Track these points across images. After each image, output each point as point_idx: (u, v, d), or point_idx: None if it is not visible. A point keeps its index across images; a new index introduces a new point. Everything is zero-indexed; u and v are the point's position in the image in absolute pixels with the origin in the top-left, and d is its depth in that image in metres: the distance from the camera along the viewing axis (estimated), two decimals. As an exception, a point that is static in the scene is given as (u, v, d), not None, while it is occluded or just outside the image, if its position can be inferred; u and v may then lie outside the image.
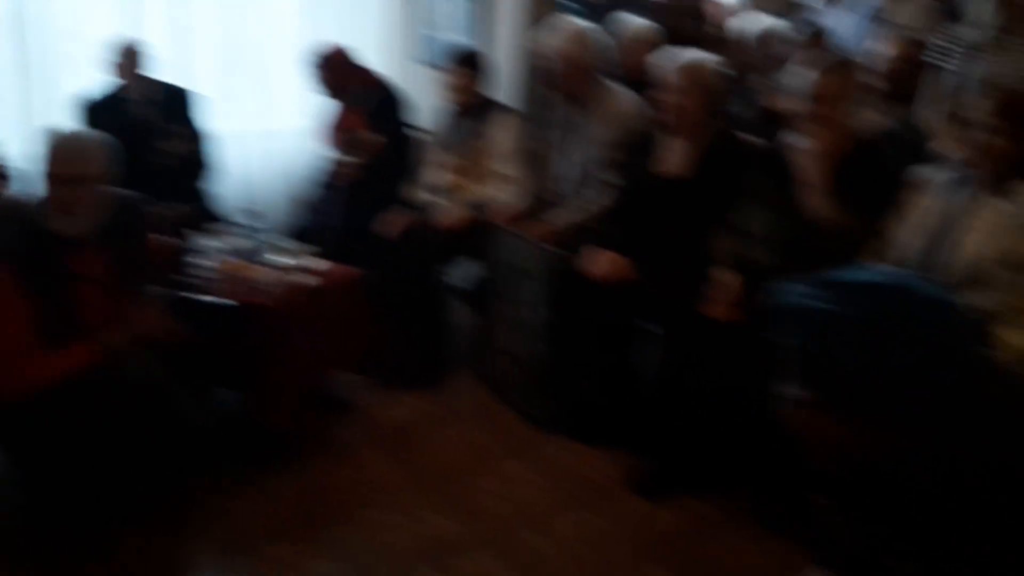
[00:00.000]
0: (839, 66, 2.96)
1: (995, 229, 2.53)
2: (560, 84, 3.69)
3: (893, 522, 1.34)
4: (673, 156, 3.36)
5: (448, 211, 3.89)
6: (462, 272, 4.04)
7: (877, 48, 3.26)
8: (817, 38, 3.54)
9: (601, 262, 3.24)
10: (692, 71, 3.26)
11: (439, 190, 4.02)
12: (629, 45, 4.05)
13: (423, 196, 4.06)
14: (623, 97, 3.75)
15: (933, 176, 2.74)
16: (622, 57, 4.03)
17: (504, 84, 4.19)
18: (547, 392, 3.50)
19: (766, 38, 4.06)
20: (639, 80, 3.89)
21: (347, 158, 4.06)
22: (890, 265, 2.75)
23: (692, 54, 3.37)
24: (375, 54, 4.62)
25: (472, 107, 3.99)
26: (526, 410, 3.46)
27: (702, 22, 4.55)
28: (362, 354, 3.54)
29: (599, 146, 3.66)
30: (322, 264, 3.36)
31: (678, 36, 4.36)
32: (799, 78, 3.01)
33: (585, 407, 3.38)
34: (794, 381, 1.24)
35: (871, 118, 3.25)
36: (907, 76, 3.20)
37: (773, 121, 3.43)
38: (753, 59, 3.95)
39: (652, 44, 4.00)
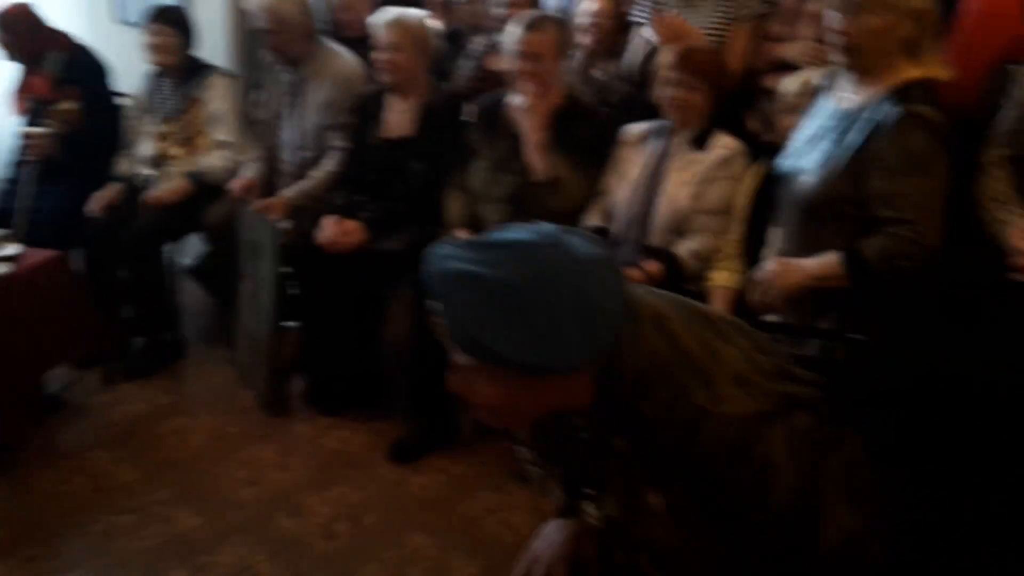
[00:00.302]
0: (542, 22, 3.05)
1: (692, 178, 2.74)
2: (274, 44, 3.54)
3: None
4: (396, 117, 3.36)
5: (164, 184, 3.65)
6: (192, 249, 3.83)
7: (584, 6, 3.40)
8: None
9: (331, 231, 3.18)
10: (404, 28, 3.25)
11: (151, 161, 3.75)
12: (347, 4, 3.94)
13: (136, 169, 3.78)
14: (344, 58, 3.66)
15: (639, 130, 2.92)
16: (341, 17, 3.93)
17: (218, 45, 3.95)
18: (291, 371, 3.42)
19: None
20: (360, 40, 3.82)
21: (37, 129, 3.67)
22: (605, 217, 2.92)
23: (402, 11, 3.36)
24: (68, 14, 4.19)
25: (180, 70, 3.74)
26: (269, 391, 3.36)
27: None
28: (81, 346, 3.28)
29: (323, 109, 3.57)
30: (14, 249, 3.03)
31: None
32: (509, 37, 3.09)
33: (333, 381, 3.34)
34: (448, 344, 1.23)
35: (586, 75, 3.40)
36: (612, 32, 3.36)
37: (494, 80, 3.49)
38: (476, 19, 3.99)
39: (370, 3, 3.93)
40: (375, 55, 3.28)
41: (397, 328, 3.06)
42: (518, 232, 1.24)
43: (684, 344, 1.27)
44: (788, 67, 2.79)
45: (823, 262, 2.13)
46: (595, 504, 1.40)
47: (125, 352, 3.62)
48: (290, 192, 3.54)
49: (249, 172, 3.66)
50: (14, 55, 3.80)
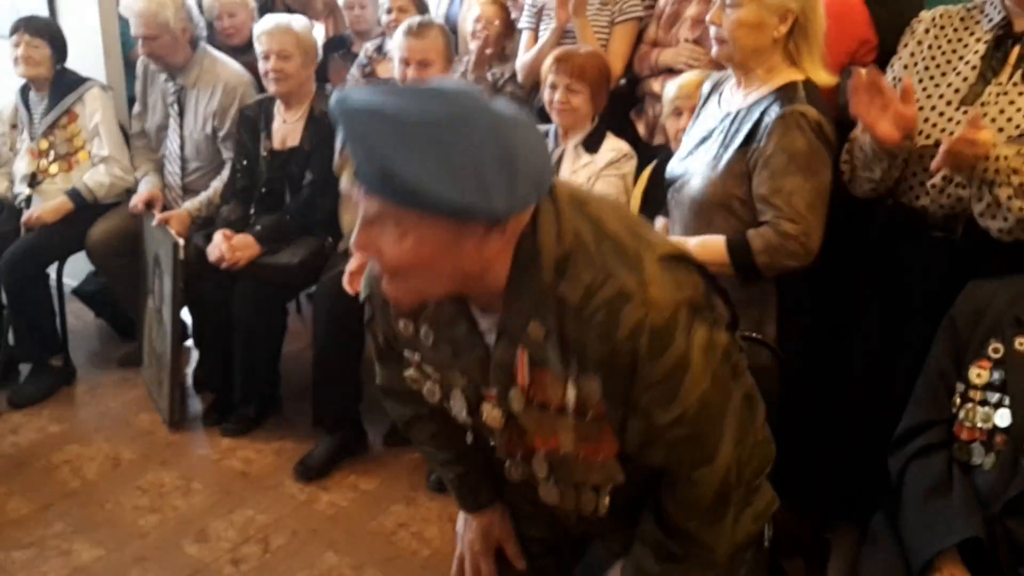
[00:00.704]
0: (427, 28, 3.05)
1: (584, 181, 2.78)
2: (153, 51, 3.43)
3: None
4: (284, 127, 3.32)
5: (43, 202, 3.51)
6: (78, 270, 3.71)
7: (472, 11, 3.42)
8: (412, 2, 3.63)
9: (223, 246, 3.12)
10: (293, 36, 3.21)
11: (28, 179, 3.60)
12: (229, 11, 3.86)
13: (13, 188, 3.62)
14: (229, 66, 3.59)
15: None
16: (224, 24, 3.85)
17: (91, 56, 3.80)
18: (194, 388, 3.35)
19: (366, 3, 4.08)
20: (241, 48, 3.76)
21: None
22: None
23: (288, 18, 3.32)
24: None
25: (53, 83, 3.60)
26: (172, 408, 3.28)
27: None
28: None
29: (211, 118, 3.49)
30: None
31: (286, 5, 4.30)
32: (396, 43, 3.08)
33: (235, 399, 3.29)
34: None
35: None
36: (500, 37, 3.39)
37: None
38: (361, 24, 3.97)
39: (251, 11, 3.87)
40: (263, 64, 3.22)
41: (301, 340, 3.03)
42: (437, 81, 1.16)
43: (608, 227, 1.22)
44: (671, 71, 2.87)
45: (707, 241, 2.11)
46: (498, 406, 1.32)
47: (11, 380, 3.48)
48: (190, 204, 3.46)
49: (147, 186, 3.56)
50: None
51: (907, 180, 2.10)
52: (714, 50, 2.14)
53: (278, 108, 3.34)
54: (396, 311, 1.38)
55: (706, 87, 2.37)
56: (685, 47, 2.85)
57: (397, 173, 1.05)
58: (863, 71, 1.96)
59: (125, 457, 3.11)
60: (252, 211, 3.31)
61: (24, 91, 3.66)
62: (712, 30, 2.11)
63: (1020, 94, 1.96)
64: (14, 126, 3.68)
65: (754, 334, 2.01)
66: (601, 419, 1.26)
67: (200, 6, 3.69)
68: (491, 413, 1.33)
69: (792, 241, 2.02)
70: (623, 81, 3.10)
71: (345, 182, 3.04)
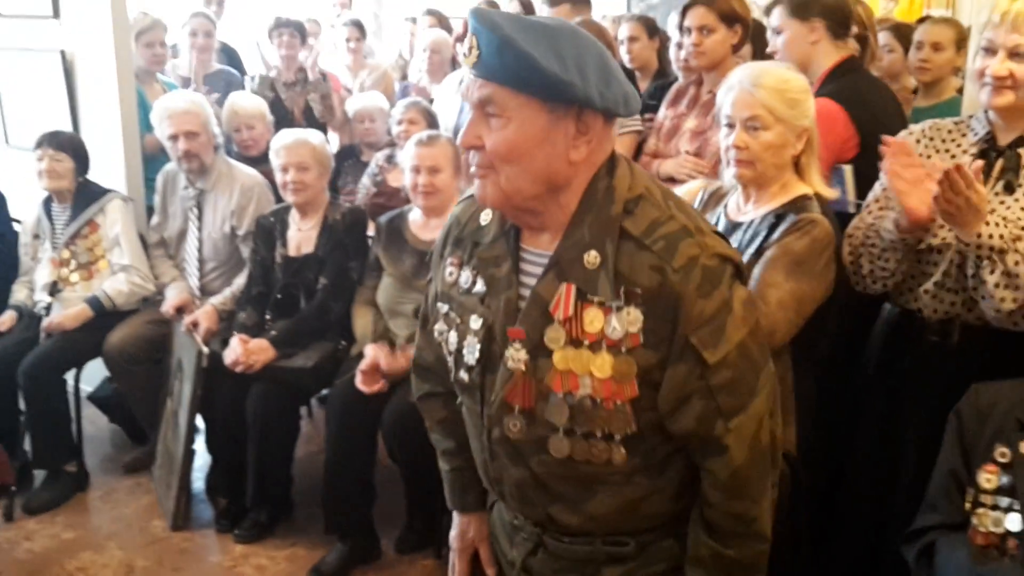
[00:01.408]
0: (435, 137, 3.19)
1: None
2: (191, 149, 3.56)
3: None
4: (299, 235, 3.43)
5: (64, 310, 3.60)
6: (94, 376, 3.77)
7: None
8: (422, 115, 3.80)
9: (239, 350, 3.19)
10: (310, 148, 3.37)
11: (49, 288, 3.70)
12: (248, 123, 4.03)
13: (34, 296, 3.72)
14: (245, 170, 3.75)
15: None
16: (243, 136, 4.02)
17: (112, 168, 3.95)
18: (208, 495, 3.37)
19: (376, 116, 4.28)
20: (257, 159, 3.91)
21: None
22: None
23: (305, 132, 3.50)
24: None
25: (75, 194, 3.73)
26: (177, 511, 3.30)
27: (328, 100, 4.68)
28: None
29: (229, 217, 3.63)
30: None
31: (306, 113, 4.48)
32: (406, 153, 3.21)
33: (253, 503, 3.30)
34: None
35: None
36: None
37: (392, 195, 3.61)
38: (372, 136, 4.14)
39: (269, 124, 4.04)
40: (282, 176, 3.36)
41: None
42: None
43: (675, 196, 1.41)
44: (672, 181, 2.98)
45: None
46: (524, 346, 1.37)
47: (27, 486, 3.51)
48: (216, 300, 3.56)
49: (177, 291, 3.65)
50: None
51: (904, 282, 2.19)
52: (733, 171, 2.15)
53: (293, 216, 3.47)
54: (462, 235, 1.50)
55: (700, 195, 2.40)
56: (688, 159, 2.98)
57: (514, 42, 1.24)
58: (890, 138, 2.03)
59: (138, 564, 3.12)
60: (268, 316, 3.40)
61: (47, 202, 3.78)
62: (733, 152, 2.13)
63: (1002, 203, 2.08)
64: (36, 236, 3.80)
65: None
66: (633, 356, 1.32)
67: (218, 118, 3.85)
68: (516, 355, 1.38)
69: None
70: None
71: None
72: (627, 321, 1.31)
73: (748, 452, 1.37)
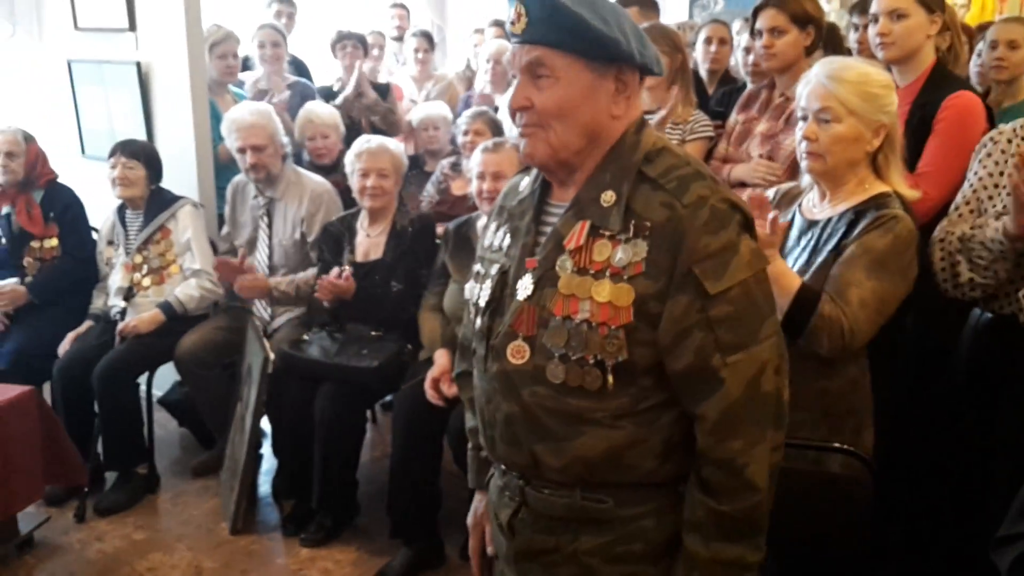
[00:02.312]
0: (501, 144, 3.18)
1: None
2: (258, 161, 3.63)
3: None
4: (368, 240, 3.46)
5: (137, 314, 3.67)
6: (165, 380, 3.83)
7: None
8: (488, 126, 3.82)
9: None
10: (390, 155, 3.42)
11: (123, 293, 3.78)
12: (323, 132, 4.09)
13: (109, 301, 3.80)
14: (314, 178, 3.82)
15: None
16: (317, 144, 4.08)
17: (185, 176, 4.03)
18: (274, 499, 3.39)
19: (439, 124, 4.31)
20: (329, 168, 3.96)
21: (6, 282, 3.75)
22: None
23: (384, 139, 3.55)
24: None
25: (148, 201, 3.81)
26: (238, 514, 3.33)
27: (393, 112, 4.73)
28: (54, 483, 3.25)
29: (298, 224, 3.69)
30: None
31: (371, 125, 4.54)
32: (473, 160, 3.22)
33: (319, 506, 3.31)
34: None
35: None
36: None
37: (456, 203, 3.61)
38: (436, 144, 4.17)
39: (342, 134, 4.10)
40: (360, 180, 3.40)
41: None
42: None
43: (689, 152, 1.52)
44: (743, 185, 2.94)
45: (786, 273, 2.03)
46: (534, 273, 1.46)
47: (99, 488, 3.57)
48: (275, 280, 3.62)
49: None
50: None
51: (1000, 287, 2.11)
52: (805, 163, 2.13)
53: (361, 223, 3.51)
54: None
55: (769, 194, 2.38)
56: (761, 163, 2.92)
57: (563, 5, 1.35)
58: None
59: (206, 566, 3.15)
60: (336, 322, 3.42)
61: (121, 209, 3.87)
62: (804, 144, 2.11)
63: None
64: (111, 242, 3.88)
65: (847, 446, 2.00)
66: (632, 284, 1.39)
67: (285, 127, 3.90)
68: (525, 284, 1.47)
69: (838, 328, 1.96)
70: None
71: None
72: (633, 252, 1.39)
73: (744, 391, 1.39)
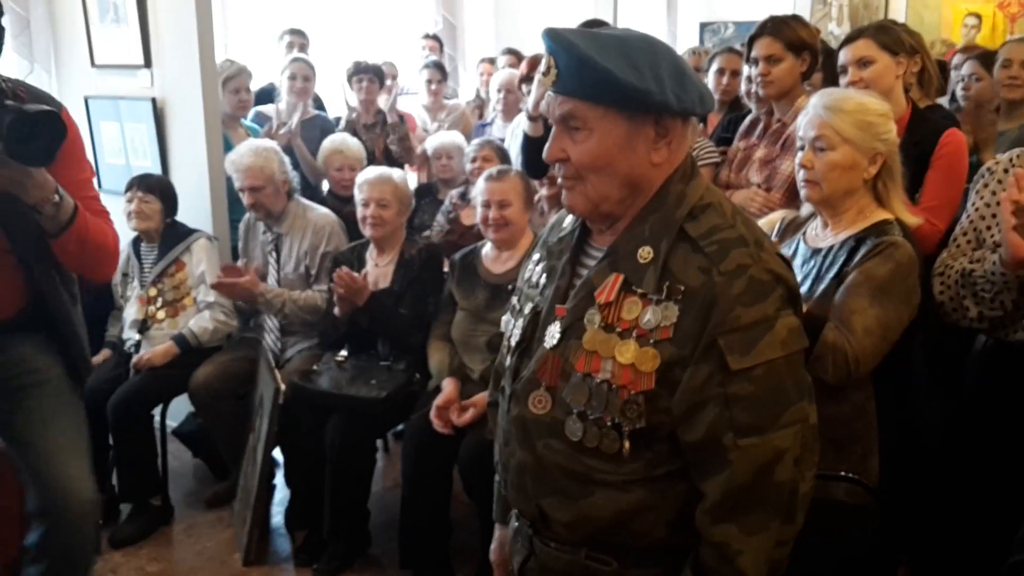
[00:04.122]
0: (505, 172, 3.21)
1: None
2: (257, 201, 3.68)
3: None
4: (376, 270, 3.49)
5: (151, 347, 3.71)
6: (178, 411, 3.86)
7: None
8: (495, 153, 3.85)
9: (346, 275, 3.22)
10: (392, 185, 3.45)
11: (138, 325, 3.82)
12: (349, 164, 4.17)
13: (123, 334, 3.85)
14: (319, 210, 3.86)
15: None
16: (342, 176, 4.15)
17: (199, 209, 4.08)
18: (287, 529, 3.40)
19: (453, 153, 4.35)
20: (350, 198, 4.01)
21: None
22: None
23: (385, 169, 3.58)
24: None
25: (163, 235, 3.86)
26: (251, 544, 3.34)
27: (407, 140, 4.78)
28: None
29: (304, 257, 3.73)
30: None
31: (385, 154, 4.60)
32: (477, 188, 3.25)
33: (331, 536, 3.32)
34: None
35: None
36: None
37: (466, 233, 3.64)
38: (448, 173, 4.21)
39: (357, 161, 4.15)
40: (362, 210, 3.45)
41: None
42: None
43: (745, 216, 1.43)
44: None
45: None
46: (561, 321, 1.43)
47: (113, 519, 3.60)
48: (266, 288, 3.65)
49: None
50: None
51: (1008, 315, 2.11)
52: (803, 192, 2.16)
53: (370, 252, 3.54)
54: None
55: (777, 225, 2.39)
56: (759, 193, 2.93)
57: (591, 59, 1.30)
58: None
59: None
60: (344, 352, 3.45)
61: (136, 243, 3.92)
62: (801, 172, 2.14)
63: None
64: (125, 275, 3.93)
65: (852, 475, 1.99)
66: (658, 348, 1.33)
67: (290, 159, 3.95)
68: (552, 332, 1.43)
69: (841, 355, 1.96)
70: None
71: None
72: (663, 315, 1.33)
73: (752, 477, 1.31)
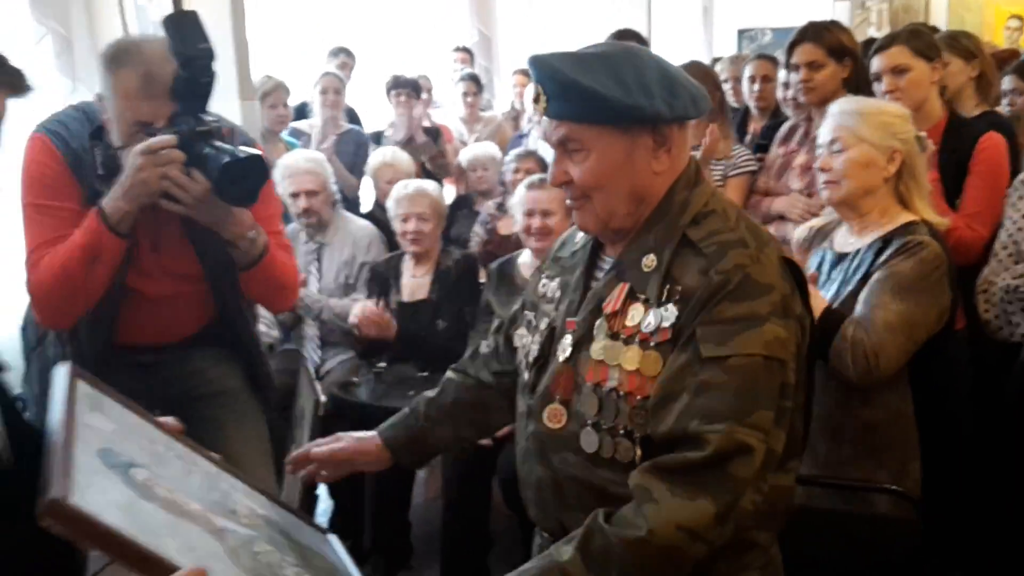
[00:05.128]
0: (543, 182, 3.21)
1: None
2: (310, 207, 3.72)
3: None
4: (413, 281, 3.51)
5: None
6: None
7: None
8: (538, 165, 3.86)
9: (368, 312, 3.29)
10: (429, 199, 3.48)
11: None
12: (384, 174, 4.21)
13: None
14: (358, 222, 3.91)
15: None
16: (383, 187, 4.17)
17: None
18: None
19: (488, 164, 4.37)
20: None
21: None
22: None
23: (422, 183, 3.62)
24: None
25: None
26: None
27: (441, 156, 4.82)
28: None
29: (344, 267, 3.76)
30: None
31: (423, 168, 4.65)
32: (517, 198, 3.25)
33: (372, 547, 3.34)
34: None
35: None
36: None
37: (503, 243, 3.66)
38: (485, 184, 4.24)
39: (406, 174, 4.19)
40: (401, 225, 3.48)
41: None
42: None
43: (752, 220, 1.44)
44: (783, 218, 2.93)
45: (813, 294, 1.96)
46: (573, 333, 1.43)
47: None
48: (304, 292, 3.66)
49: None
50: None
51: None
52: (824, 194, 2.17)
53: (406, 264, 3.56)
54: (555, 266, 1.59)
55: (801, 232, 2.39)
56: (800, 199, 2.91)
57: (577, 82, 1.31)
58: None
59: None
60: (383, 363, 3.47)
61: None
62: (821, 176, 2.15)
63: None
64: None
65: (892, 486, 1.97)
66: (659, 351, 1.33)
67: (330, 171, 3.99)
68: (565, 345, 1.44)
69: (861, 354, 1.93)
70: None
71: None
72: (663, 317, 1.34)
73: (705, 458, 1.25)
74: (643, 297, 1.37)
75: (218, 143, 1.93)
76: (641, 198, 1.40)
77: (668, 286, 1.35)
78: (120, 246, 1.98)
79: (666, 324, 1.33)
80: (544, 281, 1.59)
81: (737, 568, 1.41)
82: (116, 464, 1.26)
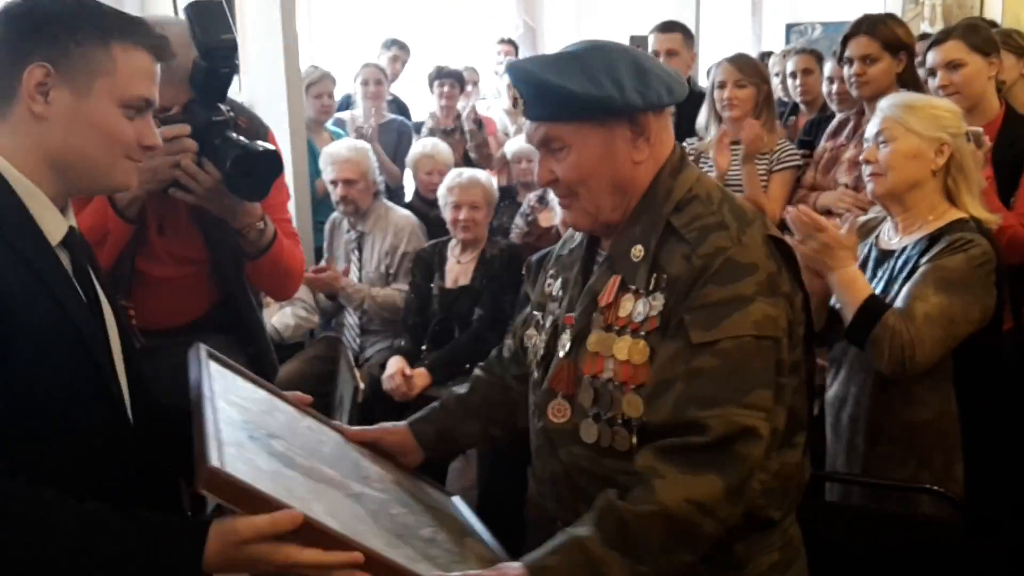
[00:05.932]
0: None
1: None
2: (350, 194, 3.76)
3: None
4: (457, 267, 3.54)
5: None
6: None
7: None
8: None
9: (398, 378, 3.29)
10: (482, 188, 3.51)
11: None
12: (438, 169, 4.21)
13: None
14: (400, 212, 3.94)
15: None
16: (432, 179, 4.18)
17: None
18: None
19: (532, 156, 4.35)
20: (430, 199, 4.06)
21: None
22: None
23: (475, 172, 3.66)
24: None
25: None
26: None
27: (485, 146, 4.83)
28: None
29: (385, 256, 3.80)
30: None
31: (464, 158, 4.67)
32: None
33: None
34: None
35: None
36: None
37: (543, 234, 3.66)
38: (528, 175, 4.23)
39: (446, 166, 4.20)
40: (453, 213, 3.50)
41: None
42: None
43: (737, 200, 1.45)
44: (830, 213, 2.88)
45: (855, 280, 1.99)
46: (571, 328, 1.46)
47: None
48: (349, 284, 3.73)
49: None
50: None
51: None
52: (869, 187, 2.13)
53: (452, 250, 3.59)
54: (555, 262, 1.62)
55: (861, 220, 2.33)
56: (848, 193, 2.87)
57: (547, 81, 1.35)
58: None
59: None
60: (424, 347, 3.49)
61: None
62: (866, 168, 2.11)
63: None
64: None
65: (936, 487, 1.94)
66: (648, 340, 1.35)
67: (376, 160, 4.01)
68: (565, 341, 1.47)
69: (899, 343, 1.89)
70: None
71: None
72: (651, 305, 1.36)
73: (709, 442, 1.27)
74: (633, 288, 1.39)
75: (232, 135, 1.92)
76: (624, 189, 1.42)
77: (655, 275, 1.37)
78: (127, 230, 1.98)
79: (654, 313, 1.35)
80: (549, 281, 1.62)
81: (756, 550, 1.42)
82: (257, 436, 1.34)
